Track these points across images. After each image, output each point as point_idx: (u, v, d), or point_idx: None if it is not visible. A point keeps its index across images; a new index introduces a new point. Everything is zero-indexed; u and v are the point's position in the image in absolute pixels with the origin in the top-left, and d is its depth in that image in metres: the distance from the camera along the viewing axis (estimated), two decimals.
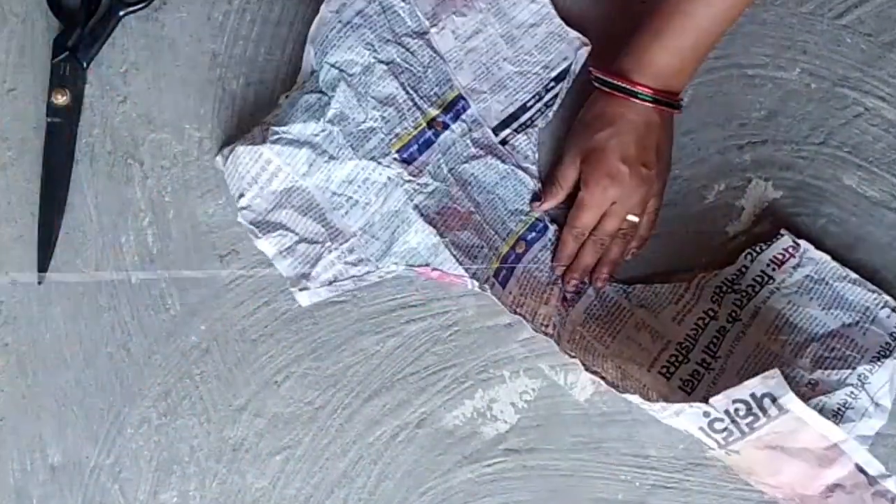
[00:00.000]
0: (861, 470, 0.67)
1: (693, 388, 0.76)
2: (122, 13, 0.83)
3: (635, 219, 0.77)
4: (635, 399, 0.72)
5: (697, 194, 0.80)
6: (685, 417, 0.70)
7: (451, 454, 0.79)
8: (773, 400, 0.66)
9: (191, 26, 0.83)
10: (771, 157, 0.79)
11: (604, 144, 0.75)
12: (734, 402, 0.68)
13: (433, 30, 0.80)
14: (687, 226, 0.79)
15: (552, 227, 0.80)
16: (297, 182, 0.77)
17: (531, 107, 0.81)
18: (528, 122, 0.81)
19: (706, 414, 0.69)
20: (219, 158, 0.79)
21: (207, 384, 0.80)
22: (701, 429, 0.70)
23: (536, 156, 0.81)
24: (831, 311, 0.77)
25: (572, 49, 0.81)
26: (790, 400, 0.66)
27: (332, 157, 0.77)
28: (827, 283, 0.77)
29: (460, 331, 0.80)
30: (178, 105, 0.83)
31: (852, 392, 0.74)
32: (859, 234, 0.78)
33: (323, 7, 0.79)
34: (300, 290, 0.78)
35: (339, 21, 0.78)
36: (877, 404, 0.74)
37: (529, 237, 0.79)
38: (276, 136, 0.77)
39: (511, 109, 0.81)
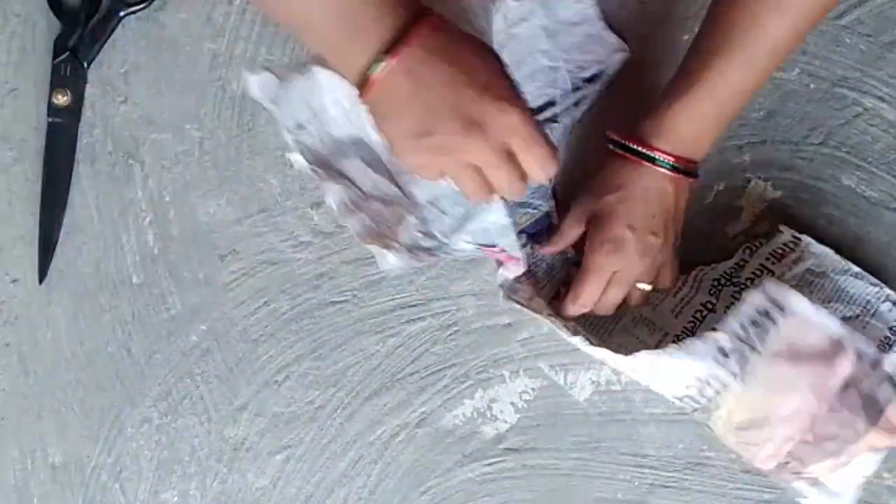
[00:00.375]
0: (861, 356, 0.69)
1: None
2: (122, 14, 0.83)
3: (647, 287, 0.74)
4: (643, 355, 0.71)
5: (697, 194, 0.80)
6: (698, 354, 0.69)
7: (450, 453, 0.79)
8: (776, 304, 0.68)
9: (191, 27, 0.84)
10: (770, 157, 0.80)
11: (611, 209, 0.72)
12: (740, 321, 0.69)
13: (492, 6, 0.77)
14: (686, 226, 0.79)
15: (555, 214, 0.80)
16: (364, 133, 0.72)
17: (558, 103, 0.80)
18: (553, 118, 0.80)
19: (716, 341, 0.69)
20: (252, 79, 0.71)
21: (208, 384, 0.81)
22: (715, 359, 0.69)
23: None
24: (831, 305, 0.76)
25: (609, 54, 0.79)
26: (792, 298, 0.68)
27: None
28: (828, 277, 0.77)
29: (460, 331, 0.80)
30: (178, 105, 0.83)
31: None
32: (858, 234, 0.79)
33: None
34: (386, 248, 0.71)
35: None
36: None
37: (532, 231, 0.79)
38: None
39: (538, 103, 0.79)
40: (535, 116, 0.77)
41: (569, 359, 0.79)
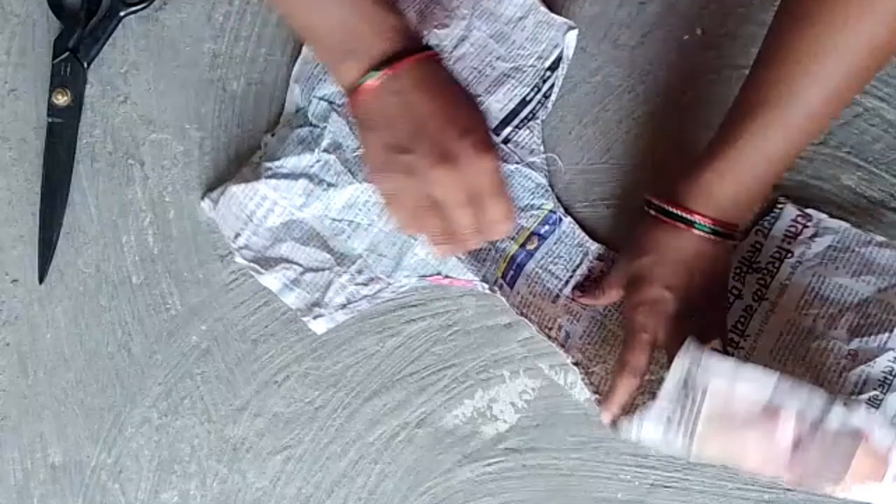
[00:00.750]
0: (802, 417, 0.62)
1: None
2: (122, 13, 0.83)
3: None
4: (624, 425, 0.67)
5: None
6: (652, 421, 0.65)
7: (451, 454, 0.79)
8: (693, 378, 0.64)
9: (191, 27, 0.84)
10: None
11: (647, 271, 0.71)
12: (673, 388, 0.65)
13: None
14: None
15: (566, 220, 0.80)
16: (295, 215, 0.78)
17: (531, 100, 0.81)
18: (530, 116, 0.81)
19: (661, 411, 0.65)
20: (205, 203, 0.80)
21: (208, 384, 0.80)
22: (665, 428, 0.65)
23: (542, 148, 0.81)
24: (862, 278, 0.74)
25: (561, 35, 0.80)
26: (712, 365, 0.63)
27: (330, 185, 0.78)
28: (852, 251, 0.75)
29: (460, 331, 0.80)
30: (178, 105, 0.83)
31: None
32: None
33: (305, 47, 0.81)
34: (314, 318, 0.79)
35: None
36: None
37: (542, 230, 0.80)
38: (270, 171, 0.78)
39: (511, 106, 0.80)
40: (515, 119, 0.80)
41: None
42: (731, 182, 0.69)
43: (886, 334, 0.72)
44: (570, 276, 0.79)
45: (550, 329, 0.77)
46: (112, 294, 0.81)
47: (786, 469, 0.64)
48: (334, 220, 0.79)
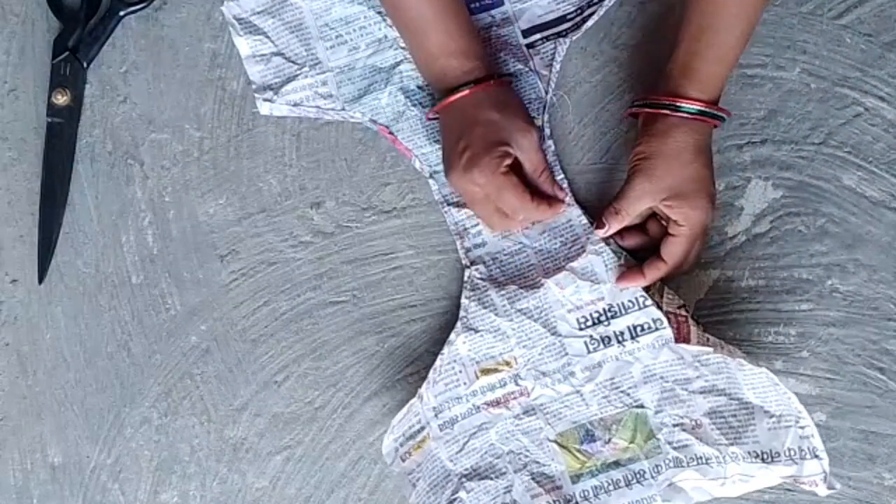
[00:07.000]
0: None
1: None
2: (122, 13, 0.83)
3: None
4: None
5: None
6: None
7: None
8: None
9: (191, 26, 0.84)
10: (770, 156, 0.79)
11: (697, 175, 0.74)
12: None
13: None
14: None
15: (549, 142, 0.80)
16: None
17: (570, 19, 0.81)
18: (563, 33, 0.81)
19: None
20: None
21: (208, 384, 0.80)
22: None
23: (559, 66, 0.81)
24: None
25: None
26: None
27: None
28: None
29: None
30: (178, 105, 0.83)
31: (718, 458, 0.74)
32: (859, 233, 0.78)
33: None
34: (264, 100, 0.81)
35: None
36: (732, 480, 0.74)
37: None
38: None
39: (550, 17, 0.81)
40: (548, 30, 0.81)
41: None
42: (710, 62, 0.72)
43: (726, 442, 0.74)
44: None
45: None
46: (112, 294, 0.81)
47: None
48: (327, 25, 0.81)
